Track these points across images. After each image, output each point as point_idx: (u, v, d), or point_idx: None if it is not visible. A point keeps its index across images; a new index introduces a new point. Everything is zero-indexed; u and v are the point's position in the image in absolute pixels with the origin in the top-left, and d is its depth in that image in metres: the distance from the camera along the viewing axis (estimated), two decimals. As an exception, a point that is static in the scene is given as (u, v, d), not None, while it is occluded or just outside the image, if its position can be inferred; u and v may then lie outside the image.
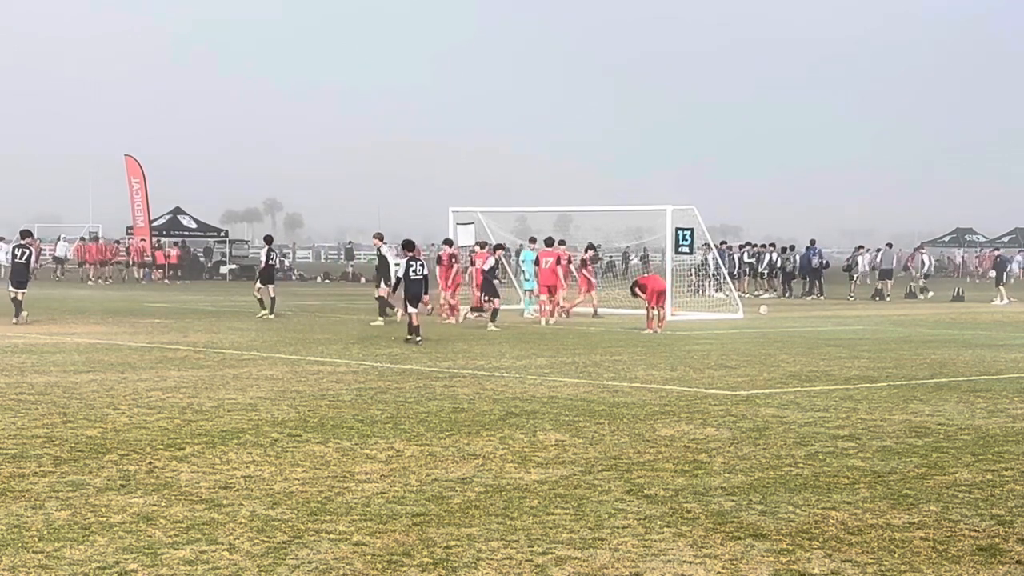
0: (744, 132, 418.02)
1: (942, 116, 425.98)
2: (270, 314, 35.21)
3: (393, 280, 33.02)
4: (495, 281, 33.80)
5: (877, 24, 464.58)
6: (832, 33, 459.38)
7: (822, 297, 55.99)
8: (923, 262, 62.34)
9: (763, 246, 62.67)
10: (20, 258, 32.09)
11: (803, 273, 58.33)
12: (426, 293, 28.81)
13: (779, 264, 59.34)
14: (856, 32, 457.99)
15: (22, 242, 33.12)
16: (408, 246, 30.09)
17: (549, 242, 38.22)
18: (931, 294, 56.78)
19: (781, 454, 13.18)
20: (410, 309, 28.09)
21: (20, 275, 31.71)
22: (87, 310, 37.65)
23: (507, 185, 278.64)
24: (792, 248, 60.56)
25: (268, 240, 39.96)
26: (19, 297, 31.35)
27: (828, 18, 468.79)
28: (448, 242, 39.05)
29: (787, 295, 57.09)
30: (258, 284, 36.58)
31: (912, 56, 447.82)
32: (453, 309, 36.09)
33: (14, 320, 30.94)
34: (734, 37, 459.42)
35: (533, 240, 40.57)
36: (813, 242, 59.68)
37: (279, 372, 20.96)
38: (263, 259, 37.73)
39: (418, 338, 27.35)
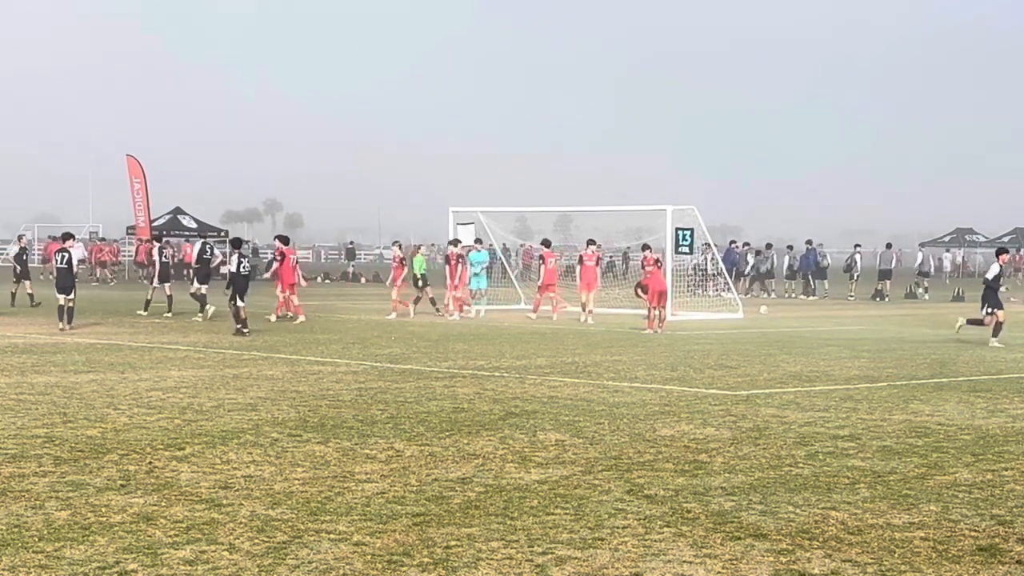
0: (745, 132, 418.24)
1: (943, 116, 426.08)
2: (167, 312, 36.05)
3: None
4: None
5: (878, 25, 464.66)
6: (833, 34, 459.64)
7: (814, 296, 56.14)
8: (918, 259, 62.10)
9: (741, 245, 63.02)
10: (61, 262, 30.94)
11: (806, 273, 58.34)
12: (247, 289, 30.52)
13: (782, 264, 59.49)
14: (857, 33, 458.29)
15: (63, 245, 32.25)
16: (236, 243, 32.55)
17: (547, 243, 40.29)
18: (926, 296, 56.65)
19: (781, 454, 13.18)
20: (239, 303, 29.51)
21: (63, 280, 30.61)
22: (87, 310, 37.62)
23: (507, 185, 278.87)
24: (791, 248, 60.77)
25: (158, 239, 40.62)
26: (63, 303, 30.11)
27: (829, 19, 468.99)
28: (455, 242, 39.70)
29: (788, 295, 57.14)
30: (155, 284, 37.52)
31: (913, 56, 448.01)
32: (461, 304, 37.30)
33: (60, 327, 29.87)
34: (735, 38, 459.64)
35: (479, 241, 41.08)
36: (810, 241, 59.96)
37: (279, 372, 20.96)
38: (157, 257, 38.07)
39: (246, 330, 29.02)
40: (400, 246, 40.19)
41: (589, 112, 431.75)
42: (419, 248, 42.17)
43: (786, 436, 14.41)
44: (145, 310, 36.32)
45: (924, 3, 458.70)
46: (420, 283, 38.05)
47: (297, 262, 37.39)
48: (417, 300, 38.00)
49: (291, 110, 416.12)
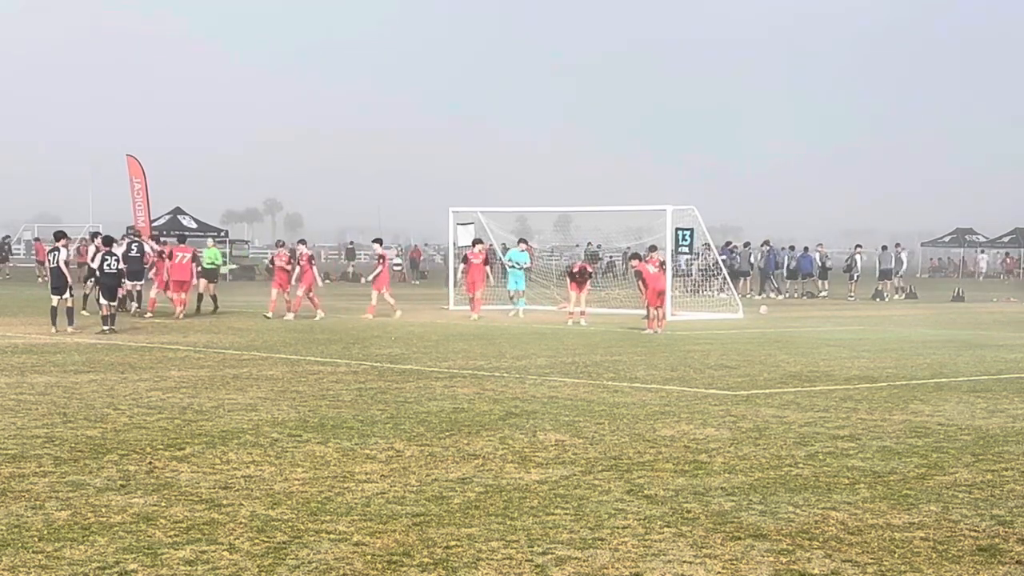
0: (745, 132, 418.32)
1: (943, 116, 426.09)
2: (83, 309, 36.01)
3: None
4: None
5: (878, 25, 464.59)
6: (833, 33, 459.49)
7: (795, 296, 56.19)
8: (901, 261, 61.59)
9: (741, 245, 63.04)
10: (53, 262, 30.52)
11: (805, 274, 58.34)
12: (120, 286, 31.68)
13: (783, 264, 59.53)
14: (857, 33, 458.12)
15: (56, 244, 31.47)
16: (106, 242, 32.80)
17: (476, 242, 40.24)
18: (895, 297, 56.41)
19: (781, 454, 13.18)
20: (102, 300, 30.18)
21: (55, 280, 30.16)
22: (87, 310, 37.62)
23: (507, 185, 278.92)
24: (792, 248, 60.84)
25: (106, 241, 39.87)
26: (55, 304, 29.70)
27: (828, 19, 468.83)
28: (303, 242, 39.56)
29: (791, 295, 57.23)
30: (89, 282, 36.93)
31: (913, 57, 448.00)
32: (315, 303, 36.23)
33: (53, 330, 29.19)
34: (736, 38, 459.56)
35: (523, 241, 41.14)
36: (767, 242, 60.32)
37: (279, 372, 20.96)
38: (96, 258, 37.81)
39: (106, 327, 29.46)
40: (381, 243, 40.76)
41: (590, 111, 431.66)
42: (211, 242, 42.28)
43: (786, 436, 14.41)
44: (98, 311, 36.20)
45: (925, 4, 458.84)
46: (209, 277, 38.17)
47: (184, 260, 36.99)
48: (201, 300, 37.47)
49: (291, 110, 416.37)
